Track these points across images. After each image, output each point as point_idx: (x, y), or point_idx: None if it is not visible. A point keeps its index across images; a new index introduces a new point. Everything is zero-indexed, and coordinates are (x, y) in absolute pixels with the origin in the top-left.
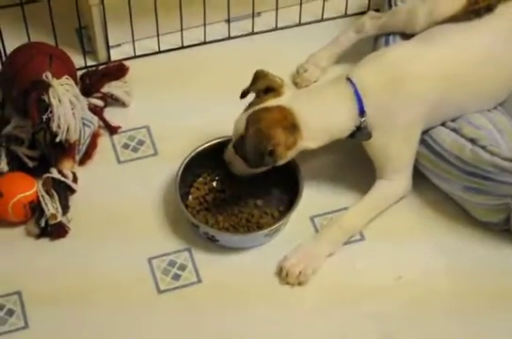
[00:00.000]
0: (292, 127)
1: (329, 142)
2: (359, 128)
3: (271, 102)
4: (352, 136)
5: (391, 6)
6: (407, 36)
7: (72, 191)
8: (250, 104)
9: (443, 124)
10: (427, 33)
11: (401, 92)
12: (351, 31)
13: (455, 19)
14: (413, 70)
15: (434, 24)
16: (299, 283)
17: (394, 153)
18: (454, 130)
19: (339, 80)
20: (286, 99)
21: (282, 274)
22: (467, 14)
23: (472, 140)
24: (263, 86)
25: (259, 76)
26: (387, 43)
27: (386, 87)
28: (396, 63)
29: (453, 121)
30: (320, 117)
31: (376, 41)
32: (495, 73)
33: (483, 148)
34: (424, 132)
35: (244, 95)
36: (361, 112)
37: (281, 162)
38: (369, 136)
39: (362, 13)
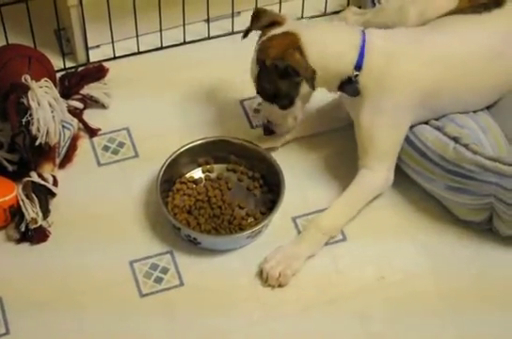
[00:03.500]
0: (298, 49)
1: (322, 84)
2: (349, 80)
3: (276, 30)
4: (341, 88)
5: (374, 3)
6: None
7: (53, 195)
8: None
9: (426, 122)
10: (437, 22)
11: (395, 70)
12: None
13: (463, 11)
14: (413, 53)
15: (426, 22)
16: (280, 285)
17: (380, 137)
18: (437, 128)
19: (354, 28)
20: (291, 26)
21: (263, 276)
22: (475, 7)
23: (455, 139)
24: (266, 22)
25: (260, 14)
26: None
27: (385, 59)
28: (402, 42)
29: (436, 119)
30: (323, 48)
31: None
32: (496, 69)
33: (465, 146)
34: (409, 128)
35: (246, 34)
36: (358, 66)
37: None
38: (357, 92)
39: (341, 11)
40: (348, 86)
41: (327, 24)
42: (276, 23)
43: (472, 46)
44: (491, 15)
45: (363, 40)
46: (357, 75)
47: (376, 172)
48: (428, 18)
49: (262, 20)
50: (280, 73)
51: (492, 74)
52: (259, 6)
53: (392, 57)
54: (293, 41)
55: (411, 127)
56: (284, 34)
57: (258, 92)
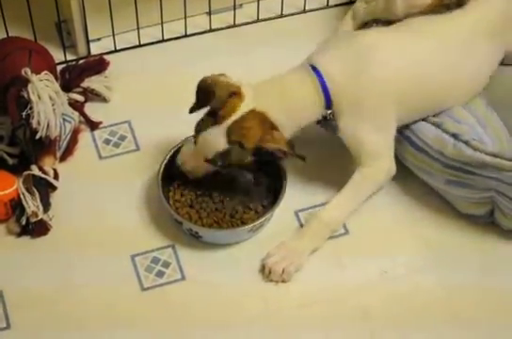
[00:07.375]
0: (273, 127)
1: (297, 132)
2: (325, 118)
3: (241, 108)
4: (319, 122)
5: None
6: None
7: (54, 188)
8: (211, 115)
9: (425, 119)
10: (399, 24)
11: (366, 78)
12: (348, 18)
13: (425, 11)
14: (379, 56)
15: (413, 10)
16: (283, 281)
17: (366, 140)
18: (436, 125)
19: (302, 69)
20: (252, 100)
21: (265, 271)
22: (438, 7)
23: (455, 135)
24: (225, 96)
25: (210, 87)
26: None
27: (352, 73)
28: (363, 49)
29: (434, 115)
30: (288, 113)
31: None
32: (462, 65)
33: (465, 143)
34: (407, 127)
35: (192, 111)
36: (328, 103)
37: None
38: (335, 128)
39: (345, 4)
40: (325, 123)
41: (277, 82)
42: (233, 93)
43: (431, 44)
44: (452, 14)
45: (320, 77)
46: (331, 113)
47: (375, 168)
48: (413, 5)
49: (219, 94)
50: (256, 153)
51: (458, 68)
52: None
53: (357, 74)
54: (266, 120)
55: (410, 125)
56: (254, 113)
57: (210, 160)
